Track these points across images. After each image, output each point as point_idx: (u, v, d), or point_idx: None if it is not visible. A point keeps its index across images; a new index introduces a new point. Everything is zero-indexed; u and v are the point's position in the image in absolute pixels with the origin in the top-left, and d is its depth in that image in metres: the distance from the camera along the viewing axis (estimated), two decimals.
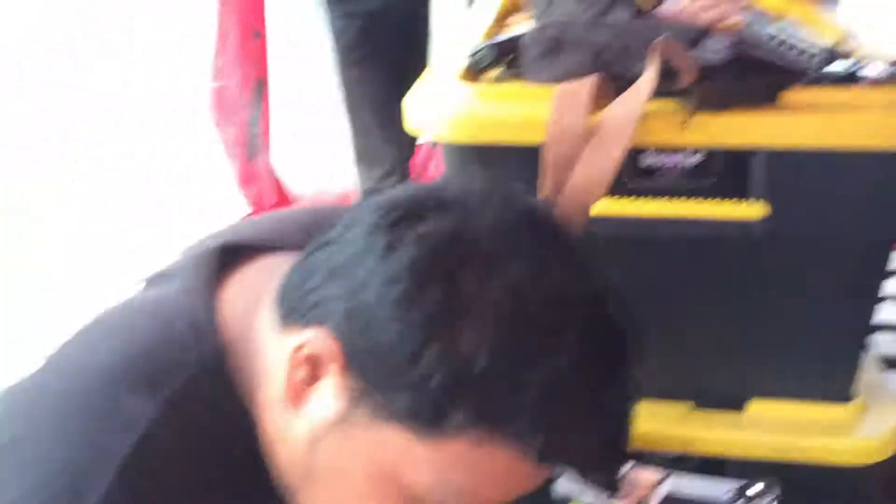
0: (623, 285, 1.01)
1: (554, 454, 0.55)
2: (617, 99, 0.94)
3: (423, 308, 0.53)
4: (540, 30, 1.04)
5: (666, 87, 0.94)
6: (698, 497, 0.92)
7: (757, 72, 0.95)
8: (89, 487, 0.54)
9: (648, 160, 0.99)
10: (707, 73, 0.94)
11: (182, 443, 0.58)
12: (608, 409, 0.56)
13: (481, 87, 1.03)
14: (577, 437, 0.55)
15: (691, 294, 1.06)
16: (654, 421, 1.10)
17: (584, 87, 0.96)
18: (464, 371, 0.52)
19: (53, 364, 0.63)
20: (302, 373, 0.58)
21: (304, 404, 0.58)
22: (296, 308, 0.59)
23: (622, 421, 0.58)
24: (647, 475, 0.91)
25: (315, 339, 0.56)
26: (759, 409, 1.10)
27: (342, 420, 0.57)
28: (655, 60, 0.92)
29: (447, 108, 1.00)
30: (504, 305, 0.53)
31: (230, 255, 0.66)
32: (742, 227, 0.93)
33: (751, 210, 0.93)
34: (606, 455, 0.58)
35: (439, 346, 0.52)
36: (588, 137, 0.94)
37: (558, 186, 0.95)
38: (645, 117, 0.93)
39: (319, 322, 0.56)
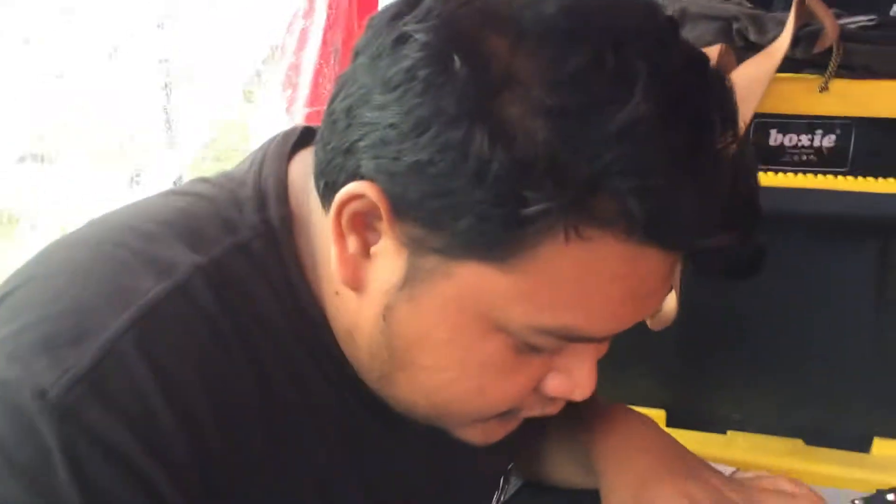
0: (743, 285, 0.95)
1: (662, 219, 0.44)
2: (746, 61, 0.86)
3: (448, 94, 0.44)
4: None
5: (803, 52, 0.86)
6: None
7: None
8: (95, 328, 0.46)
9: (779, 138, 0.89)
10: (848, 37, 0.85)
11: (222, 307, 0.50)
12: (712, 155, 0.45)
13: None
14: (682, 191, 0.44)
15: (814, 294, 0.94)
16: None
17: (709, 52, 0.88)
18: (524, 147, 0.43)
19: (102, 218, 0.56)
20: (353, 245, 0.50)
21: (364, 281, 0.51)
22: (326, 173, 0.51)
23: (737, 167, 0.47)
24: (752, 475, 0.78)
25: (349, 194, 0.48)
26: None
27: (410, 280, 0.49)
28: (794, 19, 0.84)
29: None
30: (547, 59, 0.43)
31: (308, 136, 0.59)
32: (890, 200, 0.81)
33: None
34: (728, 209, 0.46)
35: (485, 128, 0.43)
36: None
37: None
38: (778, 85, 0.85)
39: (351, 178, 0.49)
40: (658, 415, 1.05)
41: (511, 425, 0.58)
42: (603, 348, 0.56)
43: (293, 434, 0.54)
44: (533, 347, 0.50)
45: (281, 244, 0.54)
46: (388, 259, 0.49)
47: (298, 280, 0.54)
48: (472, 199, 0.44)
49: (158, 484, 0.45)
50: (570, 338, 0.49)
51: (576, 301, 0.47)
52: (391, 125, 0.46)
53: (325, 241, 0.53)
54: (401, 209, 0.47)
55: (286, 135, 0.60)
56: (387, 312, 0.51)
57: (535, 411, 0.56)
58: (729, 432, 1.02)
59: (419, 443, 0.63)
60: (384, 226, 0.48)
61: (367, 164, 0.48)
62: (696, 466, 0.67)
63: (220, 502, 0.49)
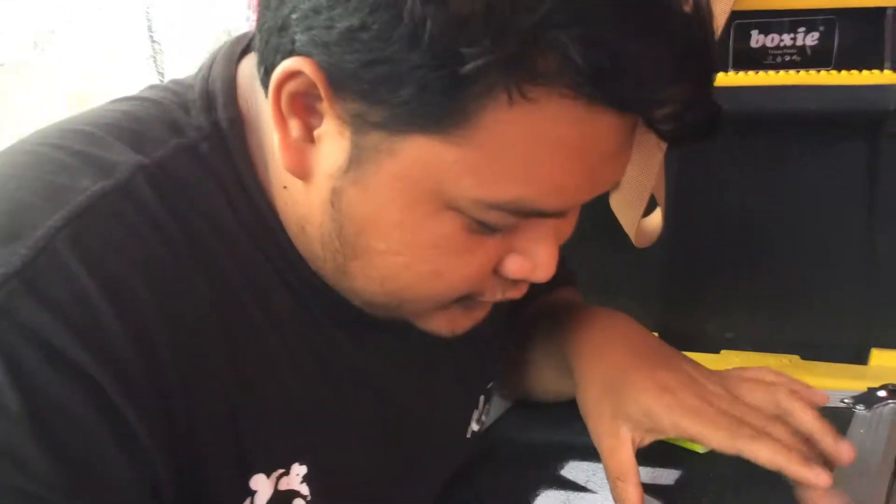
0: (725, 185, 0.92)
1: (608, 72, 0.41)
2: None
3: None
4: None
5: None
6: None
7: None
8: (27, 227, 0.43)
9: (761, 39, 0.86)
10: None
11: (168, 207, 0.47)
12: (661, 3, 0.42)
13: None
14: (630, 41, 0.41)
15: (805, 202, 0.91)
16: None
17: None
18: (459, 2, 0.40)
19: (46, 125, 0.53)
20: (295, 129, 0.48)
21: (310, 168, 0.49)
22: (265, 57, 0.49)
23: (689, 15, 0.43)
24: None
25: (285, 72, 0.46)
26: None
27: (355, 161, 0.47)
28: None
29: None
30: None
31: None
32: (877, 92, 0.78)
33: (885, 76, 0.78)
34: (681, 59, 0.43)
35: None
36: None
37: None
38: None
39: (286, 57, 0.46)
40: None
41: (477, 314, 0.56)
42: (565, 228, 0.53)
43: (255, 346, 0.51)
44: (486, 226, 0.48)
45: (230, 146, 0.52)
46: (332, 141, 0.47)
47: (251, 182, 0.52)
48: (409, 65, 0.42)
49: (103, 385, 0.42)
50: (522, 212, 0.47)
51: (524, 171, 0.45)
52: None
53: (274, 160, 0.51)
54: (339, 83, 0.45)
55: (236, 39, 0.58)
56: (334, 198, 0.48)
57: (497, 295, 0.54)
58: (723, 351, 0.99)
59: (392, 356, 0.61)
60: (325, 105, 0.46)
61: (300, 39, 0.45)
62: (671, 356, 0.65)
63: (178, 426, 0.46)
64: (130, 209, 0.46)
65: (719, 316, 1.00)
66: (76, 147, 0.48)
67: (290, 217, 0.52)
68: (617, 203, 0.91)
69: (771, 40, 0.85)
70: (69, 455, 0.42)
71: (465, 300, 0.53)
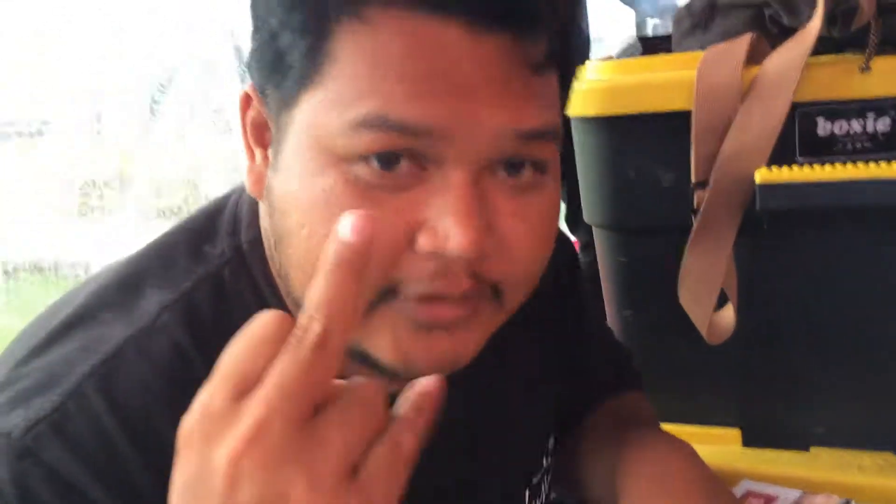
0: (804, 276, 0.88)
1: None
2: (778, 48, 0.80)
3: None
4: (690, 4, 0.93)
5: (840, 31, 0.79)
6: None
7: None
8: (63, 376, 0.48)
9: (828, 126, 0.82)
10: (887, 9, 0.78)
11: (194, 340, 0.51)
12: None
13: (614, 61, 0.92)
14: None
15: (889, 291, 0.85)
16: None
17: (739, 44, 0.82)
18: None
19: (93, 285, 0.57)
20: (259, 157, 0.53)
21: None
22: None
23: None
24: (822, 500, 0.71)
25: (241, 101, 0.53)
26: None
27: (276, 151, 0.51)
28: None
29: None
30: None
31: None
32: None
33: None
34: None
35: None
36: (744, 95, 0.80)
37: (711, 154, 0.81)
38: (819, 69, 0.78)
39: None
40: (733, 434, 0.98)
41: (435, 342, 0.50)
42: (514, 217, 0.50)
43: None
44: (379, 176, 0.46)
45: (251, 267, 0.55)
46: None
47: (272, 299, 0.54)
48: (280, 27, 0.47)
49: None
50: (384, 126, 0.45)
51: (375, 86, 0.46)
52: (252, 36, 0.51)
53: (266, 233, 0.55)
54: (260, 86, 0.51)
55: None
56: (268, 195, 0.51)
57: (425, 284, 0.48)
58: (812, 448, 0.93)
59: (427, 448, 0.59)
60: (264, 112, 0.51)
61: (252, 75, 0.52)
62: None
63: None
64: (155, 347, 0.50)
65: (806, 410, 0.94)
66: (114, 300, 0.53)
67: (276, 262, 0.54)
68: (686, 298, 0.88)
69: (839, 128, 0.81)
70: None
71: (393, 298, 0.49)
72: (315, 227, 0.47)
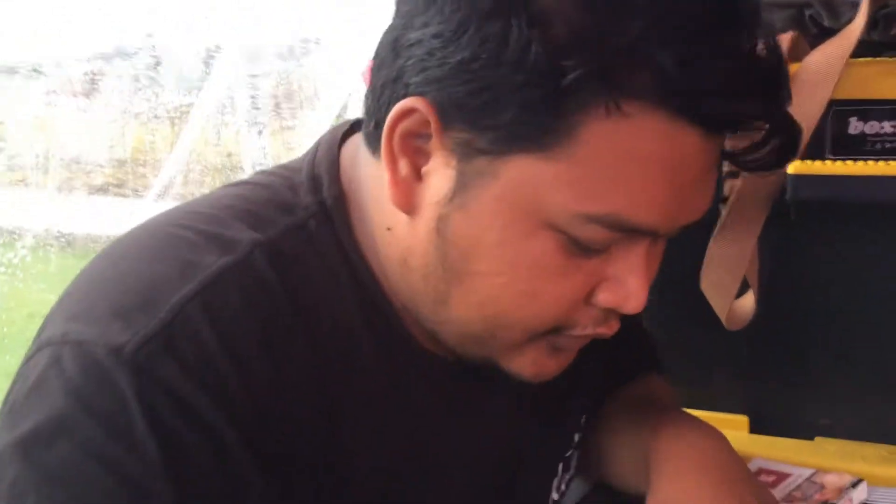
0: (823, 269, 0.91)
1: (694, 86, 0.46)
2: (819, 46, 0.83)
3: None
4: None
5: (881, 34, 0.82)
6: None
7: None
8: (163, 297, 0.49)
9: (860, 126, 0.85)
10: None
11: (281, 279, 0.53)
12: (740, 24, 0.48)
13: None
14: (713, 58, 0.46)
15: None
16: None
17: (781, 40, 0.85)
18: (559, 28, 0.45)
19: (166, 210, 0.59)
20: (404, 168, 0.52)
21: (416, 202, 0.53)
22: (376, 113, 0.54)
23: (762, 35, 0.49)
24: (834, 478, 0.74)
25: (400, 111, 0.51)
26: None
27: (460, 188, 0.51)
28: (868, 0, 0.81)
29: None
30: None
31: (357, 126, 0.62)
32: None
33: None
34: (758, 80, 0.48)
35: (522, 16, 0.46)
36: None
37: None
38: (856, 70, 0.81)
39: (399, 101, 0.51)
40: (741, 421, 1.01)
41: (561, 359, 0.58)
42: (654, 259, 0.55)
43: (349, 403, 0.55)
44: (582, 247, 0.51)
45: (335, 221, 0.57)
46: (439, 174, 0.52)
47: (354, 254, 0.57)
48: (513, 85, 0.47)
49: (226, 437, 0.48)
50: (618, 226, 0.50)
51: (620, 185, 0.48)
52: (434, 35, 0.49)
53: (377, 213, 0.56)
54: (448, 114, 0.49)
55: (337, 126, 0.63)
56: (440, 225, 0.52)
57: (588, 329, 0.55)
58: (817, 438, 0.97)
59: (477, 421, 0.63)
60: (434, 142, 0.51)
61: (414, 81, 0.50)
62: (746, 490, 0.64)
63: (282, 473, 0.51)
64: (250, 281, 0.51)
65: (815, 401, 0.98)
66: (200, 227, 0.54)
67: (393, 257, 0.56)
68: (708, 285, 0.91)
69: (870, 128, 0.84)
70: (195, 495, 0.47)
71: (555, 334, 0.55)
72: (515, 283, 0.52)
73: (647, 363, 0.89)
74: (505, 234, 0.50)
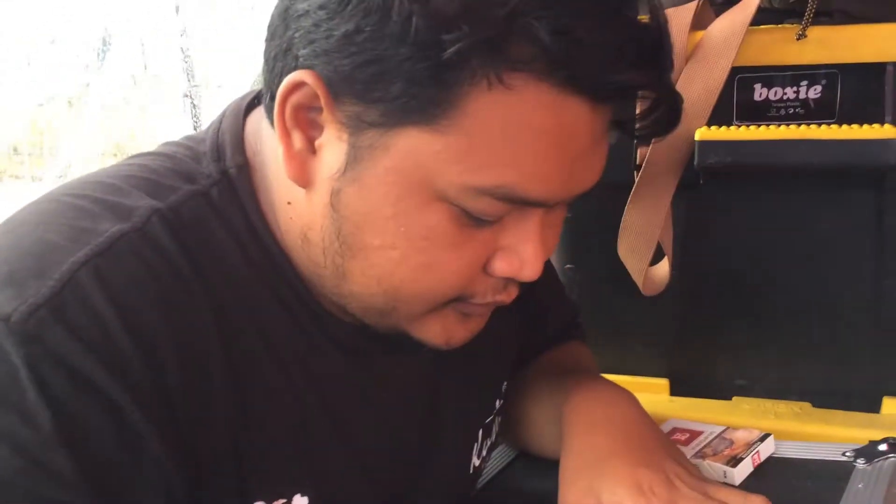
0: (734, 233, 0.93)
1: (577, 57, 0.46)
2: (722, 14, 0.85)
3: None
4: None
5: (780, 2, 0.84)
6: (809, 458, 0.75)
7: None
8: (55, 263, 0.48)
9: (764, 92, 0.87)
10: None
11: (179, 246, 0.52)
12: None
13: None
14: (595, 29, 0.46)
15: (813, 250, 0.91)
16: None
17: (686, 9, 0.87)
18: (439, 1, 0.45)
19: (69, 180, 0.59)
20: (298, 141, 0.52)
21: (312, 176, 0.53)
22: (270, 84, 0.53)
23: (643, 6, 0.50)
24: (743, 434, 0.76)
25: (290, 84, 0.51)
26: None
27: (352, 161, 0.51)
28: None
29: None
30: None
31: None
32: (879, 147, 0.78)
33: (886, 130, 0.79)
34: (641, 49, 0.48)
35: None
36: (688, 58, 0.85)
37: None
38: (758, 36, 0.83)
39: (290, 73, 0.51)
40: (662, 383, 1.03)
41: (471, 324, 0.59)
42: (550, 235, 0.56)
43: (257, 376, 0.55)
44: (474, 218, 0.51)
45: (238, 189, 0.56)
46: (332, 147, 0.51)
47: (258, 221, 0.56)
48: (398, 59, 0.47)
49: (122, 404, 0.47)
50: (507, 197, 0.50)
51: (507, 156, 0.49)
52: (321, 6, 0.49)
53: (278, 185, 0.56)
54: (337, 88, 0.49)
55: (243, 96, 0.63)
56: (334, 199, 0.52)
57: (488, 297, 0.56)
58: (734, 398, 1.00)
59: (392, 385, 0.64)
60: (325, 115, 0.51)
61: (303, 53, 0.50)
62: (658, 450, 0.66)
63: (189, 443, 0.51)
64: (146, 247, 0.51)
65: (731, 363, 1.00)
66: (97, 195, 0.53)
67: (294, 231, 0.56)
68: (624, 251, 0.93)
69: (774, 94, 0.87)
70: (94, 464, 0.47)
71: (457, 303, 0.56)
72: (410, 255, 0.52)
73: (568, 330, 0.91)
74: (397, 207, 0.51)
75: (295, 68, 0.50)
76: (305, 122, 0.52)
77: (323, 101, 0.50)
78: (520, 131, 0.48)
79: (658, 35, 0.50)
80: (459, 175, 0.49)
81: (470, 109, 0.47)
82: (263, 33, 0.55)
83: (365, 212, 0.51)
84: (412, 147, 0.49)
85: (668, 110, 0.53)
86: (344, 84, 0.49)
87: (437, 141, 0.48)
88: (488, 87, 0.46)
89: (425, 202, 0.50)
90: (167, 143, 0.61)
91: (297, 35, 0.50)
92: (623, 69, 0.48)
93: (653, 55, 0.50)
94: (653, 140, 0.81)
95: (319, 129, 0.51)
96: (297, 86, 0.50)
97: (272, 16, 0.54)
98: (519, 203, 0.51)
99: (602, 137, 0.52)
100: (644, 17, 0.51)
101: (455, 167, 0.49)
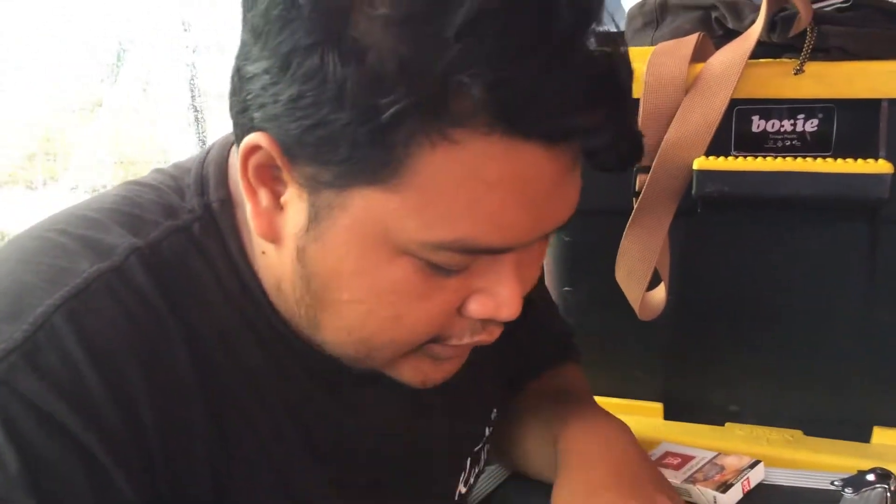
0: (729, 261, 0.95)
1: (515, 106, 0.44)
2: (722, 48, 0.87)
3: (299, 27, 0.45)
4: (643, 3, 1.00)
5: (780, 36, 0.86)
6: (798, 486, 0.77)
7: (882, 19, 0.85)
8: (30, 305, 0.48)
9: (762, 124, 0.89)
10: (822, 19, 0.85)
11: (158, 285, 0.52)
12: (561, 39, 0.44)
13: None
14: (533, 77, 0.44)
15: (806, 280, 0.93)
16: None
17: (686, 42, 0.89)
18: (374, 60, 0.44)
19: (56, 212, 0.58)
20: (264, 198, 0.52)
21: (279, 232, 0.53)
22: (237, 137, 0.53)
23: (589, 43, 0.46)
24: (734, 460, 0.77)
25: (247, 147, 0.50)
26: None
27: (313, 220, 0.51)
28: (766, 3, 0.85)
29: None
30: None
31: None
32: (872, 181, 0.80)
33: (880, 166, 0.81)
34: (589, 89, 0.45)
35: (336, 51, 0.44)
36: (688, 89, 0.86)
37: (654, 142, 0.87)
38: (757, 70, 0.85)
39: (248, 134, 0.51)
40: (656, 407, 1.05)
41: (446, 365, 0.59)
42: (527, 271, 0.55)
43: (236, 410, 0.55)
44: (440, 268, 0.51)
45: (220, 224, 0.57)
46: (294, 205, 0.51)
47: (237, 254, 0.57)
48: (340, 123, 0.46)
49: (92, 449, 0.47)
50: (468, 250, 0.50)
51: (463, 210, 0.48)
52: (265, 70, 0.48)
53: (254, 235, 0.55)
54: (291, 151, 0.49)
55: (226, 136, 0.62)
56: (300, 255, 0.52)
57: (465, 338, 0.56)
58: (727, 424, 1.01)
59: (374, 415, 0.64)
60: (285, 174, 0.50)
61: (257, 116, 0.50)
62: (647, 485, 0.66)
63: (161, 483, 0.51)
64: (122, 288, 0.51)
65: (724, 388, 1.02)
66: (79, 232, 0.53)
67: (270, 279, 0.56)
68: (622, 276, 0.94)
69: (771, 126, 0.88)
70: None
71: (433, 345, 0.56)
72: (378, 309, 0.52)
73: (563, 352, 0.92)
74: (360, 264, 0.51)
75: (251, 129, 0.50)
76: (269, 178, 0.52)
77: (280, 163, 0.50)
78: (473, 184, 0.47)
79: (607, 69, 0.47)
80: (417, 231, 0.48)
81: (419, 168, 0.46)
82: None
83: (330, 268, 0.51)
84: (368, 205, 0.48)
85: (627, 145, 0.51)
86: (296, 146, 0.48)
87: (391, 199, 0.48)
88: (431, 145, 0.45)
89: (388, 258, 0.50)
90: (156, 171, 0.61)
91: (249, 97, 0.50)
92: (571, 111, 0.46)
93: (601, 94, 0.47)
94: (655, 158, 0.81)
95: (284, 184, 0.51)
96: (254, 148, 0.50)
97: (231, 70, 0.53)
98: (481, 253, 0.51)
99: (568, 172, 0.50)
100: (593, 53, 0.47)
101: (412, 223, 0.48)
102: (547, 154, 0.47)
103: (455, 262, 0.50)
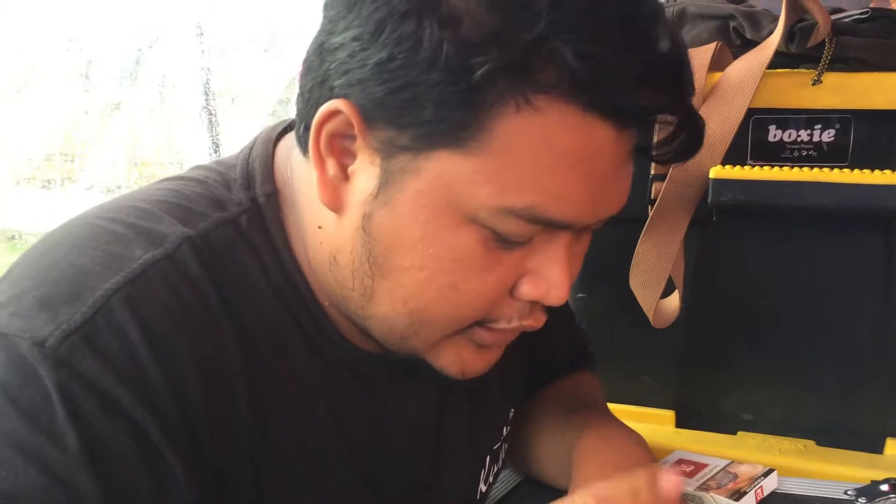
0: (744, 270, 0.95)
1: (600, 78, 0.47)
2: (740, 57, 0.87)
3: (394, 1, 0.49)
4: (664, 6, 1.00)
5: (798, 47, 0.86)
6: (811, 495, 0.77)
7: None
8: (88, 289, 0.50)
9: (778, 134, 0.89)
10: (840, 30, 0.85)
11: (208, 274, 0.54)
12: (644, 18, 0.49)
13: None
14: (618, 51, 0.47)
15: (821, 290, 0.93)
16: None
17: (704, 50, 0.89)
18: (469, 27, 0.47)
19: (101, 203, 0.60)
20: (332, 168, 0.54)
21: (344, 201, 0.55)
22: (305, 115, 0.55)
23: (667, 31, 0.50)
24: (748, 468, 0.77)
25: (325, 113, 0.52)
26: None
27: (384, 185, 0.52)
28: (785, 14, 0.85)
29: None
30: None
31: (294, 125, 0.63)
32: (889, 192, 0.80)
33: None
34: (663, 73, 0.49)
35: (433, 17, 0.47)
36: (705, 98, 0.87)
37: None
38: (775, 80, 0.86)
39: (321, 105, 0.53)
40: (668, 415, 1.05)
41: (487, 355, 0.59)
42: (575, 259, 0.57)
43: (277, 398, 0.56)
44: (503, 239, 0.53)
45: (266, 217, 0.58)
46: (364, 173, 0.53)
47: (284, 249, 0.58)
48: (429, 84, 0.48)
49: (147, 429, 0.49)
50: (536, 220, 0.51)
51: (535, 178, 0.50)
52: (355, 38, 0.50)
53: (308, 211, 0.57)
54: (371, 114, 0.51)
55: (274, 125, 0.64)
56: (366, 222, 0.54)
57: (514, 321, 0.57)
58: (739, 433, 1.01)
59: (405, 411, 0.65)
60: (358, 142, 0.52)
61: (338, 83, 0.52)
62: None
63: (211, 468, 0.52)
64: (176, 275, 0.52)
65: (737, 397, 1.02)
66: (130, 220, 0.55)
67: (323, 254, 0.57)
68: (636, 283, 0.94)
69: (788, 136, 0.89)
70: (116, 487, 0.48)
71: (478, 329, 0.57)
72: (438, 277, 0.53)
73: (578, 360, 0.92)
74: (427, 229, 0.52)
75: (330, 98, 0.52)
76: (339, 149, 0.53)
77: (357, 128, 0.52)
78: (547, 152, 0.49)
79: (678, 59, 0.51)
80: (489, 197, 0.50)
81: (499, 131, 0.49)
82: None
83: (395, 234, 0.53)
84: (443, 170, 0.50)
85: (691, 134, 0.54)
86: (377, 110, 0.50)
87: (468, 163, 0.50)
88: (516, 108, 0.48)
89: (455, 224, 0.52)
90: (197, 167, 0.63)
91: (332, 67, 0.52)
92: (646, 92, 0.49)
93: (675, 78, 0.51)
94: (672, 166, 0.82)
95: (352, 156, 0.53)
96: (332, 114, 0.52)
97: (307, 52, 0.56)
98: (546, 224, 0.52)
99: (625, 162, 0.53)
100: (664, 42, 0.51)
101: (485, 189, 0.50)
102: (615, 136, 0.50)
103: (520, 231, 0.52)
